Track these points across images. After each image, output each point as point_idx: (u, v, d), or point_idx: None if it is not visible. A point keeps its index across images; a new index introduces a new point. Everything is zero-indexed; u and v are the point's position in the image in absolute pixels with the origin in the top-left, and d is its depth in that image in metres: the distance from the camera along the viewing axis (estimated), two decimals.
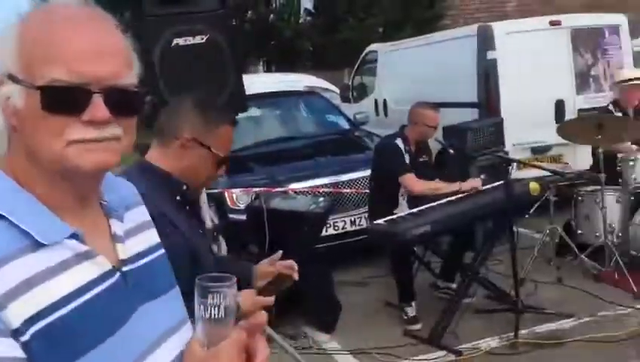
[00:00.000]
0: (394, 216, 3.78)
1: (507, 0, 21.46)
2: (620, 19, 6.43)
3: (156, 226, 1.06)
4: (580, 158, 5.76)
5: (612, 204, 4.66)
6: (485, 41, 6.13)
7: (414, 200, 4.21)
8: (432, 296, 4.53)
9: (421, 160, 4.54)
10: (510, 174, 4.77)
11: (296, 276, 1.82)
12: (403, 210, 4.14)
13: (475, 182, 4.18)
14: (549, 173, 4.52)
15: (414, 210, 3.92)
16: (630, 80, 5.00)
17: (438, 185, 4.26)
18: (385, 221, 3.77)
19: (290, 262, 1.88)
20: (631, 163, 4.49)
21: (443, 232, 4.01)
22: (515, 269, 3.93)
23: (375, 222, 3.78)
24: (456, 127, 5.39)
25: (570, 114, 6.17)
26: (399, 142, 4.38)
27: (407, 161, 4.36)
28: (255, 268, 1.89)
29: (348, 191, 5.34)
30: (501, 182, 3.92)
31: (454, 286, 4.37)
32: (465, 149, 4.87)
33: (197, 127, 1.72)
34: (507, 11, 20.97)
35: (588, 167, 5.24)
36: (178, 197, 1.73)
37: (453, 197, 3.99)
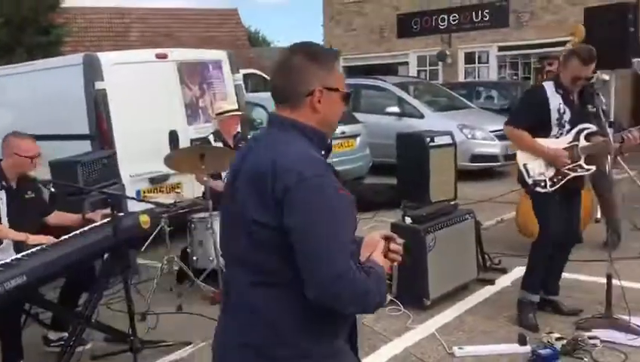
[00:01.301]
0: None
1: (130, 31, 21.66)
2: (222, 55, 6.98)
3: None
4: (197, 186, 6.01)
5: None
6: (92, 70, 5.93)
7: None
8: (43, 351, 4.08)
9: (27, 196, 4.06)
10: (124, 208, 4.67)
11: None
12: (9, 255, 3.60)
13: (41, 238, 3.70)
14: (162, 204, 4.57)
15: (8, 259, 3.44)
16: (226, 112, 5.42)
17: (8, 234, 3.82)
18: None
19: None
20: None
21: (46, 280, 3.61)
22: (130, 306, 3.79)
23: None
24: (64, 162, 5.04)
25: (184, 144, 6.40)
26: None
27: (5, 198, 3.86)
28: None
29: None
30: (107, 219, 3.74)
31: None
32: (74, 185, 4.58)
33: (320, 74, 1.74)
34: (131, 41, 21.16)
35: (201, 195, 5.48)
36: (323, 152, 1.79)
37: (57, 240, 3.65)
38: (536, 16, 14.85)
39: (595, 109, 3.94)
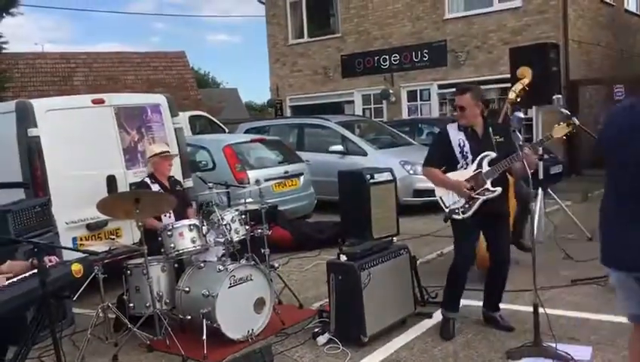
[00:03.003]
0: None
1: (74, 75, 21.42)
2: (160, 99, 6.98)
3: None
4: (136, 231, 5.94)
5: (159, 273, 4.90)
6: (25, 117, 5.85)
7: None
8: None
9: None
10: (59, 257, 4.57)
11: None
12: None
13: None
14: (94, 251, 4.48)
15: None
16: (158, 153, 5.43)
17: None
18: None
19: None
20: (169, 233, 4.81)
21: None
22: (59, 358, 3.68)
23: None
24: None
25: (123, 188, 6.32)
26: None
27: None
28: None
29: None
30: (32, 271, 3.65)
31: None
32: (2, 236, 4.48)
33: None
34: (75, 86, 20.90)
35: (138, 240, 5.41)
36: None
37: None
38: (472, 56, 15.46)
39: (502, 139, 4.39)
